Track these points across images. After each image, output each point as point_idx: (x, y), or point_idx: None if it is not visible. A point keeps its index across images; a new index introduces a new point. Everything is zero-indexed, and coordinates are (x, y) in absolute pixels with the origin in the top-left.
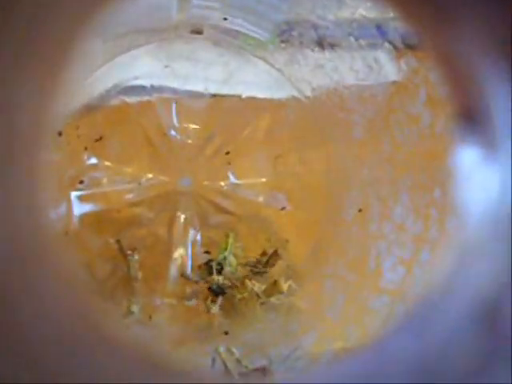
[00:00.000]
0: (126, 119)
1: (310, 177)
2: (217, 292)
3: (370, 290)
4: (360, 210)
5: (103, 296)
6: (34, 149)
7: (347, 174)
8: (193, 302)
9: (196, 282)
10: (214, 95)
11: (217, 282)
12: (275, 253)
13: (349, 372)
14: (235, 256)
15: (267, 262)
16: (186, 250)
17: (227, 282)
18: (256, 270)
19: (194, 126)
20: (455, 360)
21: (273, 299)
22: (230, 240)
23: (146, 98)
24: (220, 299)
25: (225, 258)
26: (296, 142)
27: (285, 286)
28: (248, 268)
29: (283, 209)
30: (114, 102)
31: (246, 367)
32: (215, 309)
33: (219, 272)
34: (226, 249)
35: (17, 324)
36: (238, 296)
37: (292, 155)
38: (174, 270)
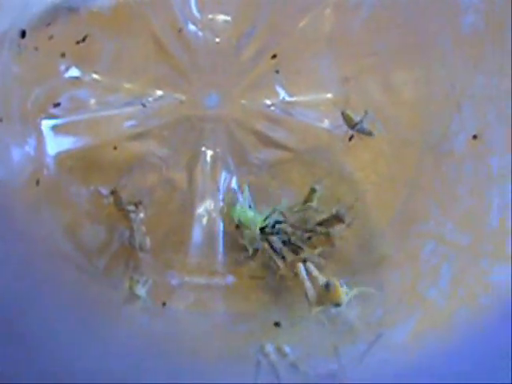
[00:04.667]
0: (124, 13)
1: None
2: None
3: (490, 256)
4: (475, 137)
5: (94, 274)
6: None
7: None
8: (227, 280)
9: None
10: None
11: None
12: (342, 213)
13: None
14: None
15: (329, 222)
16: (216, 202)
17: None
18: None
19: (224, 18)
20: None
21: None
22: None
23: None
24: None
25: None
26: (377, 56)
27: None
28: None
29: (351, 138)
30: None
31: (306, 374)
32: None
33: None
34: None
35: None
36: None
37: (370, 76)
38: (198, 234)
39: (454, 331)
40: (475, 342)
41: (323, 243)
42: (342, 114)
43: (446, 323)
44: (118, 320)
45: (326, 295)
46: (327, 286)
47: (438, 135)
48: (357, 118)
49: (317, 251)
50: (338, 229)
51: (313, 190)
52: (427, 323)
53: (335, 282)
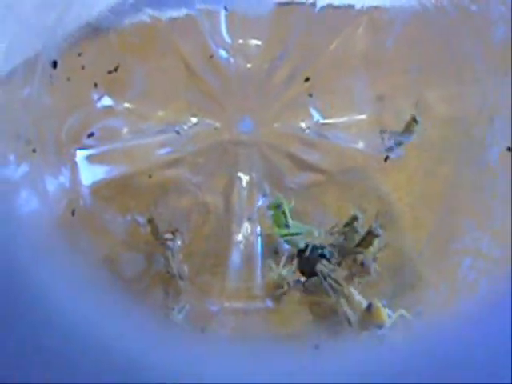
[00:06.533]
0: (154, 41)
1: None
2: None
3: None
4: (509, 149)
5: (133, 301)
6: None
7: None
8: (267, 304)
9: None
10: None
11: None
12: (374, 231)
13: None
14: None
15: (365, 242)
16: (253, 227)
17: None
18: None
19: (255, 42)
20: None
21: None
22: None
23: (183, 9)
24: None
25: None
26: (410, 74)
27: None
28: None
29: (387, 158)
30: (137, 17)
31: None
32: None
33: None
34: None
35: None
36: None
37: (403, 95)
38: (236, 258)
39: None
40: None
41: (360, 272)
42: (381, 132)
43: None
44: (155, 347)
45: (368, 317)
46: (369, 307)
47: (471, 150)
48: (390, 142)
49: (357, 279)
50: (375, 247)
51: (354, 218)
52: None
53: (377, 303)
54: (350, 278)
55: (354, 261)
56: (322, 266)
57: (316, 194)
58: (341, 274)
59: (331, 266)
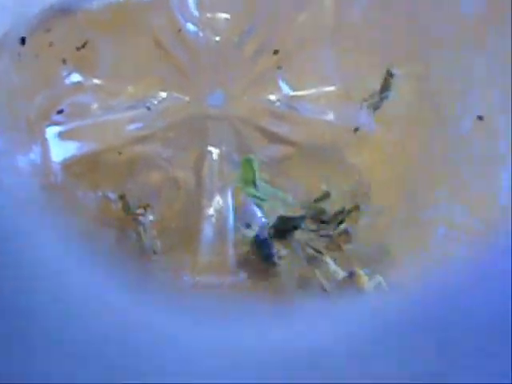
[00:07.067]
0: (122, 16)
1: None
2: None
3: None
4: (480, 118)
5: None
6: None
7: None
8: (240, 278)
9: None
10: None
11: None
12: (355, 207)
13: None
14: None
15: (340, 220)
16: (225, 200)
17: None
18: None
19: (223, 16)
20: None
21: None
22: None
23: None
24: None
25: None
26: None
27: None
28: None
29: (356, 130)
30: None
31: None
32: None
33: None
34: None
35: None
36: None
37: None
38: (209, 232)
39: None
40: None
41: (342, 239)
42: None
43: None
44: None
45: (347, 285)
46: (350, 274)
47: (442, 123)
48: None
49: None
50: (354, 218)
51: (326, 195)
52: None
53: (358, 270)
54: (329, 247)
55: (334, 230)
56: (299, 235)
57: (287, 167)
58: (319, 243)
59: (311, 235)
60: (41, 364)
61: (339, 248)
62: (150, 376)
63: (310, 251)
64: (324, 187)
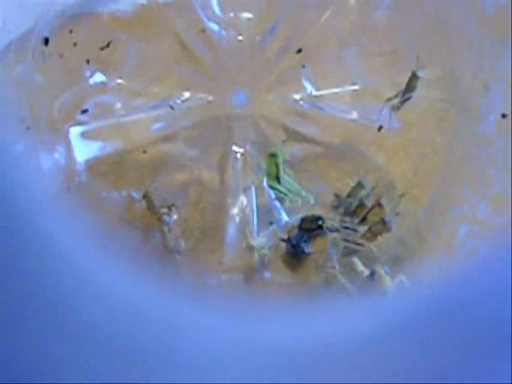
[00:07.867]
0: (146, 16)
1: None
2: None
3: None
4: (504, 116)
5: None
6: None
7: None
8: (265, 276)
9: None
10: None
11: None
12: (377, 204)
13: None
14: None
15: (363, 217)
16: (249, 200)
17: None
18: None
19: (246, 15)
20: None
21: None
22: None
23: None
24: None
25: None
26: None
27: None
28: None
29: (380, 128)
30: None
31: None
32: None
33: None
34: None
35: None
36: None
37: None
38: (232, 232)
39: None
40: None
41: (380, 231)
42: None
43: None
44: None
45: (370, 285)
46: (372, 274)
47: (467, 120)
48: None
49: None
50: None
51: (361, 186)
52: None
53: (380, 270)
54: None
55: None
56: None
57: (311, 166)
58: (354, 235)
59: (347, 231)
60: (69, 359)
61: (375, 238)
62: (178, 373)
63: (345, 247)
64: (351, 183)
